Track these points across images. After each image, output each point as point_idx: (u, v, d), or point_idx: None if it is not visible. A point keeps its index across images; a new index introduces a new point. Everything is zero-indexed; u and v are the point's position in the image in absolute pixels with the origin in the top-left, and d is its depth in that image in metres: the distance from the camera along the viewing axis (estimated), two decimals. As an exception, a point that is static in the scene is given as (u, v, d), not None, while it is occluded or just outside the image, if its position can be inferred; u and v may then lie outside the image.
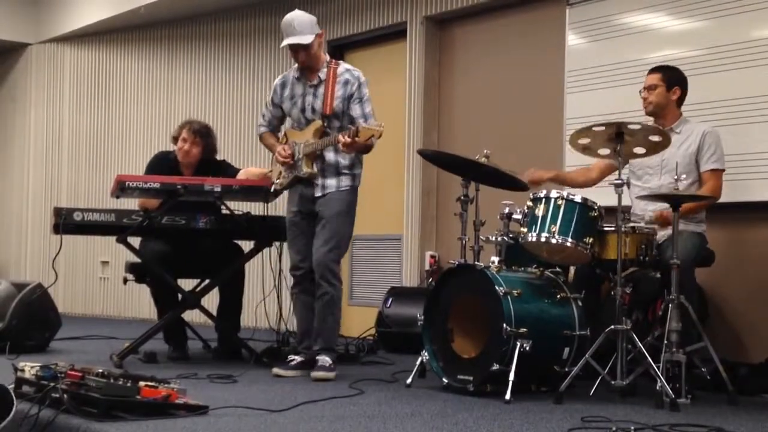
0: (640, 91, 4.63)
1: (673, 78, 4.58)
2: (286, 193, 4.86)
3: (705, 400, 4.01)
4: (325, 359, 4.54)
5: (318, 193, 4.65)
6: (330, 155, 4.64)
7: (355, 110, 4.62)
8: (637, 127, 4.01)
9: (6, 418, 2.98)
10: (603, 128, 4.02)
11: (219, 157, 5.59)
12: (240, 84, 8.44)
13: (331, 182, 4.65)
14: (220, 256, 5.29)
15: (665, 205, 4.20)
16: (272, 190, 4.89)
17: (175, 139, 5.44)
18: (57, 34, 9.47)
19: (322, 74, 4.69)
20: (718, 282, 4.96)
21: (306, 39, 4.59)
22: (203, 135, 5.39)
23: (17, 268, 9.55)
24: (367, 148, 4.60)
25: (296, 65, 4.78)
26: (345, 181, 4.67)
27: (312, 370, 4.51)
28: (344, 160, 4.65)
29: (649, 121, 4.59)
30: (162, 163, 5.41)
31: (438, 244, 6.80)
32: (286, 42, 4.63)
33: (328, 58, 4.77)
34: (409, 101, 6.88)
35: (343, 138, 4.42)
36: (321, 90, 4.67)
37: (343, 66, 4.73)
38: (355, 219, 4.75)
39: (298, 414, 3.40)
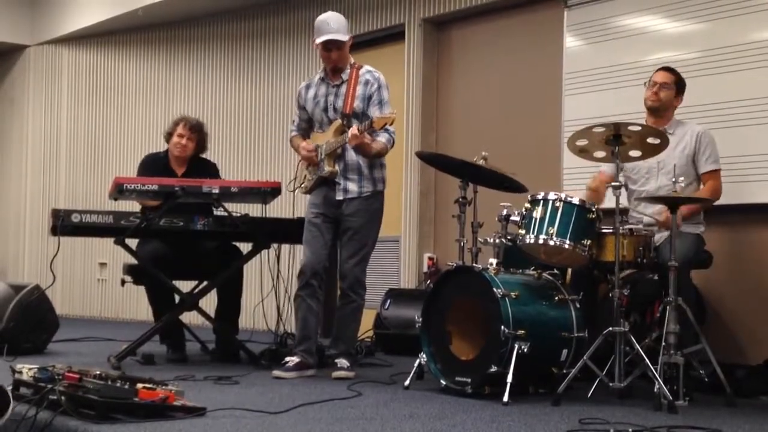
0: (645, 83, 4.64)
1: (682, 85, 4.65)
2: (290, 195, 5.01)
3: (703, 402, 4.01)
4: (343, 362, 4.70)
5: (340, 197, 4.73)
6: (351, 155, 4.72)
7: (374, 113, 4.67)
8: (638, 128, 4.01)
9: (3, 416, 2.98)
10: (602, 129, 4.02)
11: (216, 156, 5.62)
12: (238, 86, 8.44)
13: (353, 186, 4.73)
14: (218, 257, 5.29)
15: (665, 207, 4.21)
16: (297, 192, 5.02)
17: (168, 136, 5.47)
18: (55, 35, 9.47)
19: (345, 75, 4.80)
20: (716, 284, 4.96)
21: (343, 37, 4.71)
22: (198, 130, 5.49)
23: (15, 270, 9.54)
24: (378, 153, 4.70)
25: (321, 69, 4.89)
26: (367, 186, 4.74)
27: (332, 371, 4.64)
28: (364, 161, 4.72)
29: (644, 116, 4.61)
30: (154, 165, 5.44)
31: (436, 245, 6.81)
32: (324, 38, 4.71)
33: (352, 60, 4.87)
34: (407, 103, 6.88)
35: (354, 130, 4.52)
36: (343, 89, 4.78)
37: (365, 68, 4.84)
38: (381, 222, 4.85)
39: (296, 416, 3.40)
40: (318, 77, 4.91)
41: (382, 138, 4.71)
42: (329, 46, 4.72)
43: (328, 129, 4.80)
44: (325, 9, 7.56)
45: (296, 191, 5.03)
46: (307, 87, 4.94)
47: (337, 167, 4.73)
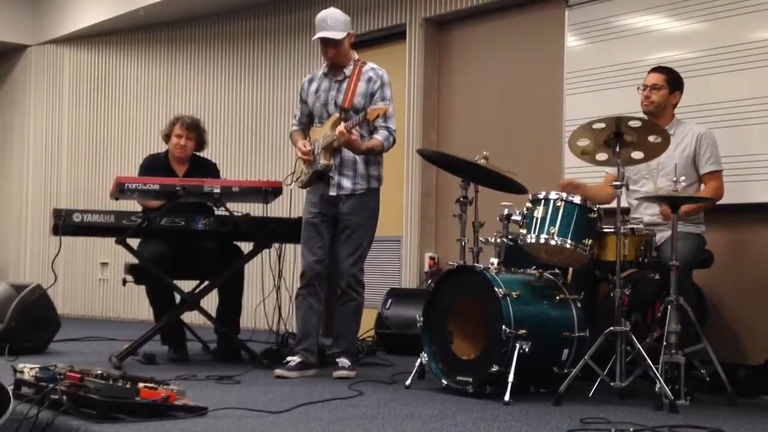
0: (638, 88, 4.63)
1: (675, 81, 4.60)
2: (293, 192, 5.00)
3: (704, 401, 4.01)
4: (344, 361, 4.69)
5: (333, 192, 4.71)
6: (348, 151, 4.69)
7: None
8: (638, 123, 3.99)
9: (3, 415, 2.99)
10: (603, 125, 4.01)
11: (217, 155, 5.63)
12: (239, 85, 8.45)
13: (346, 183, 4.71)
14: (219, 257, 5.30)
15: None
16: (293, 186, 5.00)
17: (167, 137, 5.49)
18: (56, 35, 9.47)
19: (348, 70, 4.78)
20: (718, 283, 4.96)
21: (337, 35, 4.69)
22: (195, 128, 5.51)
23: (17, 270, 9.54)
24: (370, 150, 4.67)
25: (325, 64, 4.86)
26: (360, 183, 4.73)
27: (334, 370, 4.63)
28: (360, 158, 4.71)
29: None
30: (154, 165, 5.45)
31: (437, 245, 6.81)
32: (317, 36, 4.71)
33: (356, 56, 4.84)
34: (408, 102, 6.88)
35: (341, 128, 4.52)
36: (344, 85, 4.76)
37: (369, 65, 4.82)
38: (378, 220, 4.84)
39: (297, 415, 3.41)
40: (321, 72, 4.90)
41: (380, 136, 4.69)
42: (325, 43, 4.72)
43: (326, 122, 4.79)
44: (325, 8, 7.59)
45: (293, 185, 5.01)
46: (310, 81, 4.92)
47: (332, 161, 4.70)
